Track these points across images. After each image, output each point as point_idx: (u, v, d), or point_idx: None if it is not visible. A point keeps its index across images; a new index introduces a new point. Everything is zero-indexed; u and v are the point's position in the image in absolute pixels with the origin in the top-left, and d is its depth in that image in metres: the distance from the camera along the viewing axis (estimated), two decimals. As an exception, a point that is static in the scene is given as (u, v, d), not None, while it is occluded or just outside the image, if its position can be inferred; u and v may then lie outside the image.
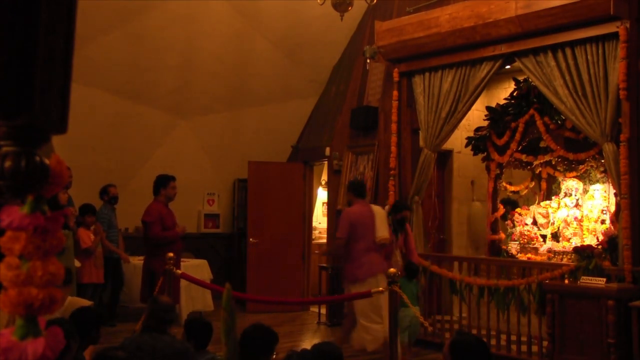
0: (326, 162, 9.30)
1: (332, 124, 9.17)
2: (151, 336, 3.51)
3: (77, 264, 7.01)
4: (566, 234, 7.03)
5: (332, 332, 7.70)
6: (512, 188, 7.75)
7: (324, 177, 10.22)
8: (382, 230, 5.96)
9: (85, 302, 4.44)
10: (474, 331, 6.25)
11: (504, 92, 8.07)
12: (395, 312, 4.84)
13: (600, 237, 6.30)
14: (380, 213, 6.10)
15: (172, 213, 6.79)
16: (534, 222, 7.44)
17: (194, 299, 7.82)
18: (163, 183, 6.72)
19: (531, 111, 6.89)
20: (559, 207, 7.32)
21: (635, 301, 5.10)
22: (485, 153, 7.54)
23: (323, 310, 8.50)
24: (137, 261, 8.00)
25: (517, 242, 7.33)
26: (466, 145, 7.83)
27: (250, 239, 9.05)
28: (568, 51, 6.00)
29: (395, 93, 7.44)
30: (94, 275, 7.26)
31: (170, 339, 3.53)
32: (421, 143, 7.38)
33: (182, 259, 7.84)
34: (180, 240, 6.87)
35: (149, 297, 5.83)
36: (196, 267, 8.02)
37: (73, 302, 4.18)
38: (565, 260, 6.45)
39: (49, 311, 1.06)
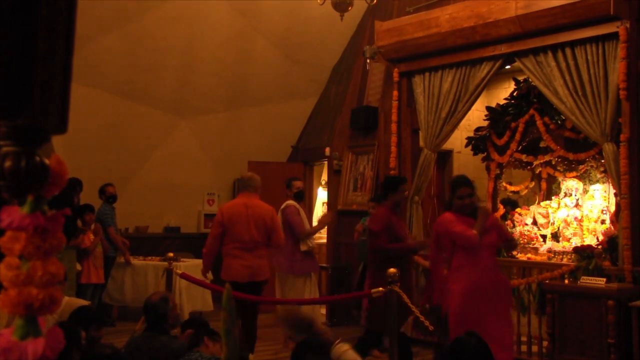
0: (326, 162, 9.29)
1: (332, 124, 9.17)
2: (149, 336, 3.51)
3: (77, 267, 7.01)
4: (566, 234, 7.02)
5: (332, 332, 7.68)
6: (512, 188, 7.74)
7: (324, 177, 10.21)
8: None
9: (84, 302, 4.43)
10: (474, 331, 6.24)
11: (504, 92, 8.05)
12: (395, 312, 4.82)
13: (600, 237, 6.29)
14: None
15: (402, 222, 5.91)
16: (534, 222, 7.43)
17: (194, 299, 7.81)
18: (393, 187, 5.65)
19: (531, 111, 6.87)
20: (559, 207, 7.31)
21: (635, 301, 5.10)
22: (485, 153, 7.52)
23: (323, 310, 8.48)
24: (137, 262, 8.00)
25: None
26: (466, 145, 7.82)
27: (250, 239, 9.02)
28: (568, 51, 6.00)
29: (395, 93, 7.44)
30: (94, 275, 7.24)
31: (167, 339, 3.53)
32: (421, 143, 7.37)
33: (182, 259, 7.84)
34: (412, 254, 5.93)
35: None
36: (196, 267, 7.99)
37: (71, 303, 4.18)
38: (565, 260, 6.44)
39: (48, 311, 1.06)
